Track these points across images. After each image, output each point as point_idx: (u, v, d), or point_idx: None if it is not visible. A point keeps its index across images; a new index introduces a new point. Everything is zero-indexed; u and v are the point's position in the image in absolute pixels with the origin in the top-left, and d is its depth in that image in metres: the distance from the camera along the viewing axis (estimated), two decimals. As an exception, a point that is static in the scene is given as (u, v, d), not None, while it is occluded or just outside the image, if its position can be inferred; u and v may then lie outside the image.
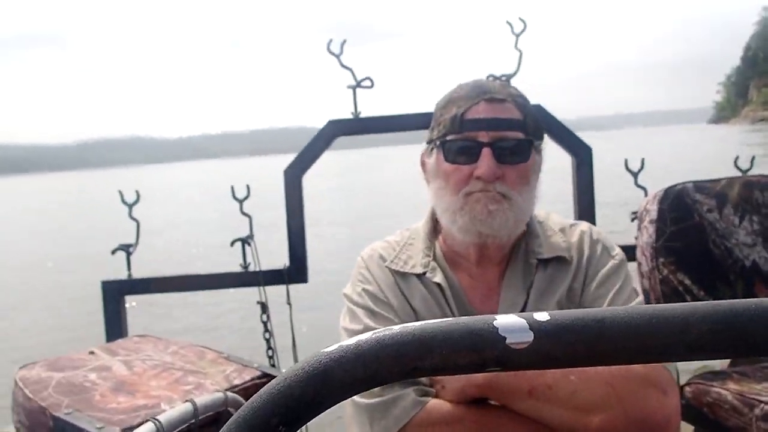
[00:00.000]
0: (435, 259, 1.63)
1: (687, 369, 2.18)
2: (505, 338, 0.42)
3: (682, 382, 2.14)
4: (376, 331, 0.44)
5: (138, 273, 2.99)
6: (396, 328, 0.43)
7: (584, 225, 1.68)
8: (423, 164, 1.67)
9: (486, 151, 1.49)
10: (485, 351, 0.42)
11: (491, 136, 1.50)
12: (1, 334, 10.12)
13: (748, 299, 0.43)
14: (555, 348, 0.42)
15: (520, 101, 1.56)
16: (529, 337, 0.42)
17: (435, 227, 1.68)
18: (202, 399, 1.65)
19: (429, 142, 1.63)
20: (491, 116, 1.51)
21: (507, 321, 0.43)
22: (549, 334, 0.43)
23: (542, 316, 0.43)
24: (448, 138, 1.54)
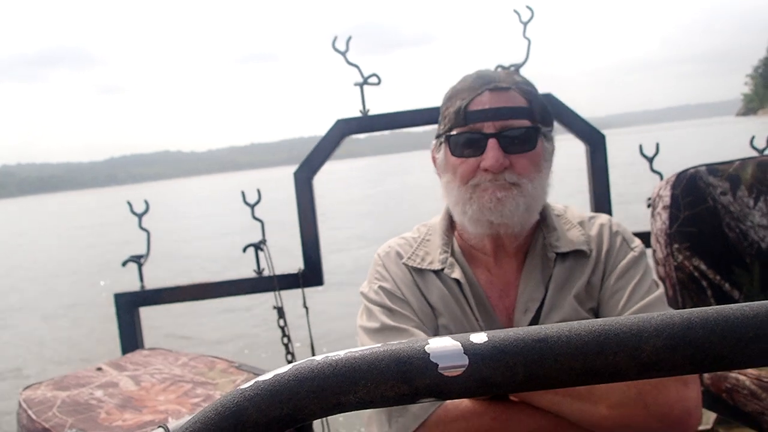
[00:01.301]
0: (453, 254, 1.62)
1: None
2: (437, 365, 0.38)
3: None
4: (296, 363, 0.40)
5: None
6: (318, 359, 0.40)
7: (604, 218, 1.65)
8: (434, 159, 1.66)
9: (492, 142, 1.47)
10: (415, 380, 0.38)
11: (496, 126, 1.48)
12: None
13: (704, 308, 0.39)
14: (493, 373, 0.38)
15: (525, 88, 1.53)
16: (464, 361, 0.38)
17: (451, 223, 1.67)
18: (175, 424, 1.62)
19: (437, 137, 1.62)
20: (495, 106, 1.48)
21: (439, 345, 0.39)
22: (485, 357, 0.38)
23: (479, 338, 0.39)
24: (454, 132, 1.52)
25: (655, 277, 1.55)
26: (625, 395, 1.29)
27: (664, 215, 2.17)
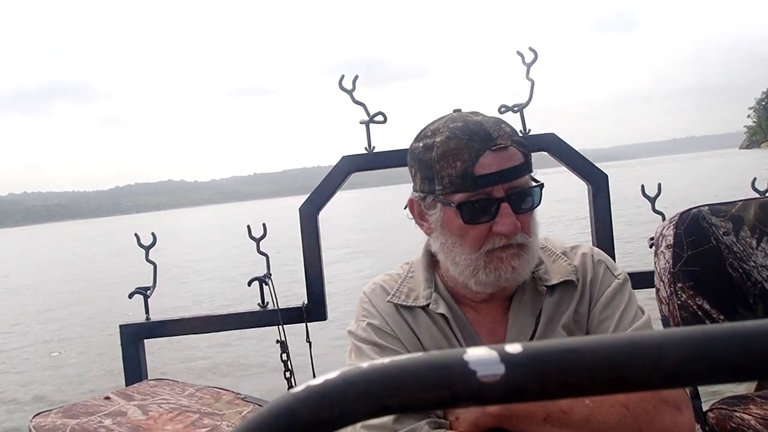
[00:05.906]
0: (437, 290, 1.61)
1: (710, 394, 2.15)
2: (475, 372, 0.41)
3: (705, 407, 2.10)
4: (344, 369, 0.43)
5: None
6: (364, 365, 0.42)
7: (585, 247, 1.67)
8: (418, 209, 1.59)
9: (505, 207, 1.44)
10: (455, 386, 0.41)
11: (505, 189, 1.44)
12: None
13: (725, 324, 0.42)
14: (528, 380, 0.41)
15: (518, 140, 1.49)
16: (501, 369, 0.41)
17: (432, 260, 1.65)
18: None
19: (426, 192, 1.52)
20: (501, 168, 1.43)
21: (477, 354, 0.42)
22: (521, 366, 0.41)
23: (514, 348, 0.42)
24: (458, 197, 1.45)
25: (639, 303, 1.58)
26: (621, 424, 1.31)
27: (668, 254, 2.20)
